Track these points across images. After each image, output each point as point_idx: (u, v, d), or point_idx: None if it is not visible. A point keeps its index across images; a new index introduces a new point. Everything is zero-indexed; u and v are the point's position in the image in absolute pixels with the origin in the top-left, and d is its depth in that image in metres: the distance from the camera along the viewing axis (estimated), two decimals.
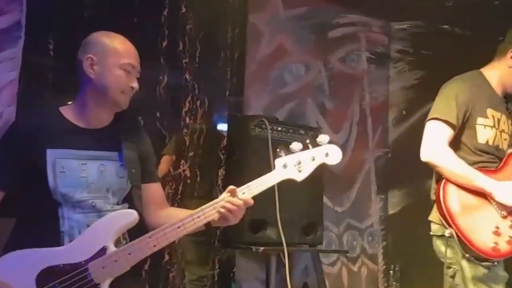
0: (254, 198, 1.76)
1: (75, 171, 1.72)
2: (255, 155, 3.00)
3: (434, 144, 2.31)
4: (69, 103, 1.84)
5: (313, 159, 1.78)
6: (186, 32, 3.03)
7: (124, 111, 1.84)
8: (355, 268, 4.04)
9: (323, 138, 1.79)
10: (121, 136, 1.82)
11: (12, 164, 1.71)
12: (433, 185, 2.39)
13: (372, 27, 4.31)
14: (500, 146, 2.39)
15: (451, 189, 2.28)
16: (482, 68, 2.47)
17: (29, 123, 1.77)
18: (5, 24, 2.63)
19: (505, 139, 2.42)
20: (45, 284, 1.61)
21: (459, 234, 2.21)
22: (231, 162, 3.13)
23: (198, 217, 1.72)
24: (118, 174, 1.80)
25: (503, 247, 2.22)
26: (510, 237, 2.23)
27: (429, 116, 2.36)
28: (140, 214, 1.75)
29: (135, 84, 1.81)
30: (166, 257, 2.87)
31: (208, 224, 1.76)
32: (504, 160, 2.37)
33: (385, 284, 3.99)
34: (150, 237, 1.68)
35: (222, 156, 3.16)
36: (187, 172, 3.01)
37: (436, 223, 2.33)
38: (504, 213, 2.26)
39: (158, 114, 2.91)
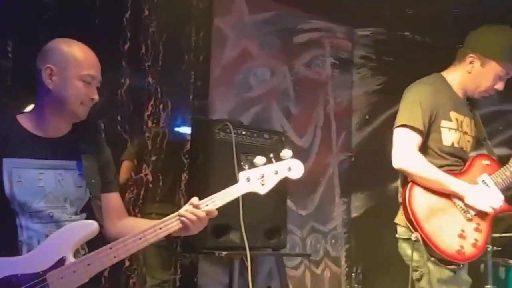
0: None
1: (32, 181, 1.70)
2: (219, 159, 3.00)
3: (404, 151, 2.32)
4: (27, 110, 1.81)
5: (276, 173, 1.82)
6: (148, 35, 3.00)
7: (84, 119, 1.82)
8: (318, 271, 4.08)
9: (286, 152, 1.84)
10: (80, 145, 1.81)
11: None
12: (399, 188, 2.42)
13: (336, 33, 4.37)
14: (464, 148, 2.43)
15: (417, 193, 2.31)
16: (443, 71, 2.50)
17: None
18: None
19: (468, 141, 2.46)
20: None
21: (424, 238, 2.23)
22: (195, 166, 3.12)
23: (160, 228, 1.73)
24: (76, 184, 1.78)
25: (468, 250, 2.26)
26: (475, 239, 2.28)
27: (396, 123, 2.38)
28: (100, 225, 1.74)
29: (95, 96, 1.79)
30: (127, 263, 2.83)
31: (168, 234, 1.76)
32: (469, 162, 2.41)
33: (348, 287, 4.05)
34: (110, 248, 1.67)
35: (185, 160, 3.15)
36: (149, 177, 2.99)
37: (402, 226, 2.36)
38: (469, 215, 2.30)
39: (119, 118, 2.87)
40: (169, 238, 1.79)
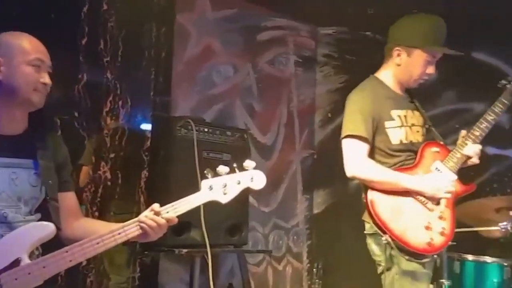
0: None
1: None
2: (181, 156, 2.97)
3: (354, 160, 2.39)
4: None
5: (239, 183, 1.85)
6: (107, 30, 2.94)
7: (40, 115, 1.78)
8: (280, 267, 4.11)
9: (249, 163, 1.87)
10: (36, 143, 1.77)
11: None
12: (363, 193, 2.45)
13: (299, 31, 4.41)
14: (414, 140, 2.49)
15: (377, 198, 2.37)
16: (376, 72, 2.58)
17: None
18: None
19: (417, 131, 2.52)
20: None
21: (395, 238, 2.29)
22: (155, 163, 3.08)
23: (119, 233, 1.72)
24: (31, 183, 1.74)
25: (437, 239, 2.34)
26: (442, 228, 2.35)
27: (342, 134, 2.45)
28: (57, 227, 1.71)
29: (47, 80, 1.76)
30: (84, 262, 2.78)
31: (126, 240, 1.75)
32: (419, 153, 2.47)
33: (309, 282, 4.10)
34: (66, 252, 1.65)
35: (145, 158, 3.11)
36: (108, 174, 2.94)
37: (369, 222, 2.41)
38: (431, 206, 2.36)
39: (76, 114, 2.81)
40: (127, 243, 1.78)
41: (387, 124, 2.45)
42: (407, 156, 2.48)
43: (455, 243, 2.98)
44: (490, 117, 2.47)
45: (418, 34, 2.46)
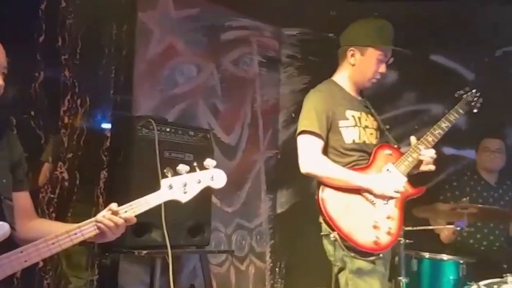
0: None
1: None
2: (141, 156, 2.94)
3: (308, 156, 2.45)
4: None
5: (199, 182, 1.84)
6: (66, 27, 2.87)
7: None
8: (243, 267, 4.12)
9: (210, 162, 1.86)
10: None
11: None
12: (317, 191, 2.50)
13: (263, 32, 4.42)
14: (367, 141, 2.57)
15: (329, 194, 2.42)
16: (333, 76, 2.68)
17: None
18: None
19: (371, 134, 2.61)
20: None
21: (342, 236, 2.34)
22: (115, 164, 3.04)
23: (75, 234, 1.68)
24: None
25: (384, 239, 2.39)
26: (389, 228, 2.41)
27: (298, 131, 2.52)
28: (12, 227, 1.67)
29: (0, 82, 1.71)
30: (41, 264, 2.72)
31: (83, 240, 1.72)
32: (372, 155, 2.55)
33: (272, 281, 4.13)
34: (21, 252, 1.61)
35: (104, 158, 3.05)
36: (65, 175, 2.87)
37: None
38: (379, 206, 2.42)
39: (33, 113, 2.74)
40: (85, 243, 1.75)
41: (341, 123, 2.53)
42: (360, 156, 2.55)
43: (412, 241, 3.09)
44: (444, 124, 2.60)
45: (370, 34, 2.60)
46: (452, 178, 3.87)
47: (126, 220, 1.74)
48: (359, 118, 2.59)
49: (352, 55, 2.59)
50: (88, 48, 2.95)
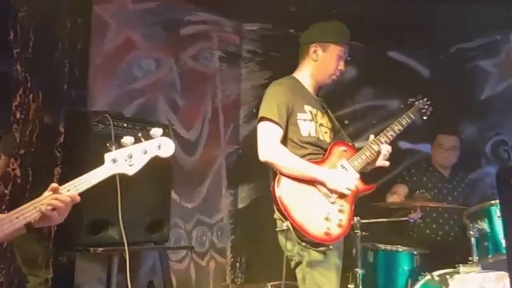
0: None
1: None
2: (97, 153, 2.85)
3: (267, 144, 2.50)
4: None
5: (145, 152, 1.77)
6: (17, 20, 2.78)
7: None
8: (203, 263, 4.10)
9: (156, 131, 1.80)
10: None
11: None
12: (271, 182, 2.53)
13: (224, 27, 4.40)
14: (321, 138, 2.64)
15: (284, 184, 2.45)
16: (294, 73, 2.75)
17: None
18: None
19: (325, 132, 2.68)
20: None
21: (294, 225, 2.38)
22: (69, 160, 2.96)
23: (17, 218, 1.61)
24: None
25: (334, 230, 2.44)
26: (340, 220, 2.47)
27: (258, 118, 2.56)
28: None
29: None
30: None
31: (29, 226, 1.65)
32: (328, 150, 2.62)
33: (232, 276, 4.12)
34: None
35: (58, 154, 2.98)
36: (17, 171, 2.79)
37: (279, 220, 2.48)
38: (332, 199, 2.48)
39: None
40: (29, 230, 1.67)
41: (299, 115, 2.59)
42: (314, 150, 2.61)
43: (368, 233, 3.16)
44: (396, 127, 2.73)
45: (331, 31, 2.71)
46: (410, 167, 3.99)
47: (71, 198, 1.69)
48: (316, 115, 2.66)
49: (315, 51, 2.68)
50: (41, 42, 2.87)
